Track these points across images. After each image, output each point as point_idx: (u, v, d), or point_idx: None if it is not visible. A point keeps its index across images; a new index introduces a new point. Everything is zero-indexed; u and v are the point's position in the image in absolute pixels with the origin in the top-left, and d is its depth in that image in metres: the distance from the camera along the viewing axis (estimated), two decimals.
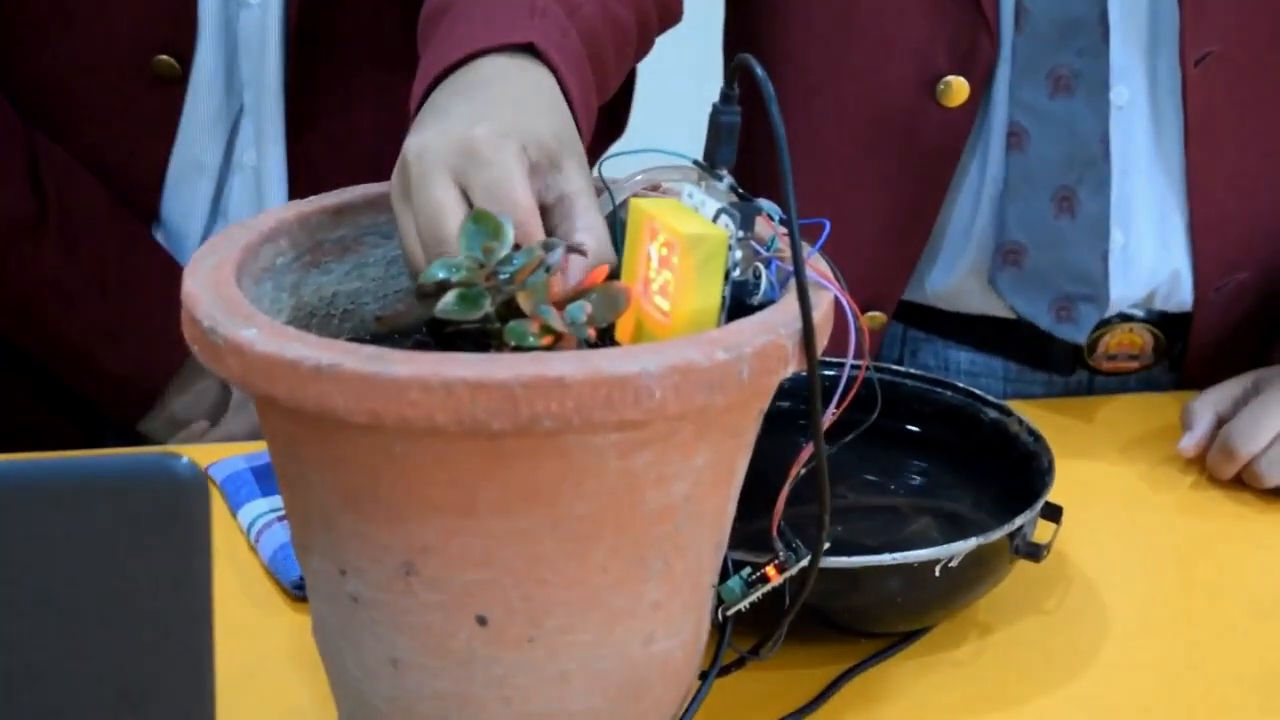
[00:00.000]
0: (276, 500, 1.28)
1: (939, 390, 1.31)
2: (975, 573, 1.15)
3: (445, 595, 0.93)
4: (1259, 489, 1.37)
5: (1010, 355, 1.56)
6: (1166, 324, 1.51)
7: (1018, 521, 1.15)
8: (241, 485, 1.31)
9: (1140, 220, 1.45)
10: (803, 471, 0.99)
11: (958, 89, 1.42)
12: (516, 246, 0.93)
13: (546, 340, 0.92)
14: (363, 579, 0.94)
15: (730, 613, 1.02)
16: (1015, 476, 1.25)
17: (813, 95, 1.45)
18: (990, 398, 1.29)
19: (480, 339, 0.97)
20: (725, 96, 0.96)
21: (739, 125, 0.96)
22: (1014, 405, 1.29)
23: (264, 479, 1.31)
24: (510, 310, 0.93)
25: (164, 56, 1.47)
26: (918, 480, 1.30)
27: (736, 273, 0.94)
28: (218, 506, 1.31)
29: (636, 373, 0.86)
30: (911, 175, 1.44)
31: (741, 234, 0.94)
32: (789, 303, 0.93)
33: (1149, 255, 1.46)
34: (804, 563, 1.00)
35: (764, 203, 0.96)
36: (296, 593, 1.21)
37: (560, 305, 0.94)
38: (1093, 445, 1.43)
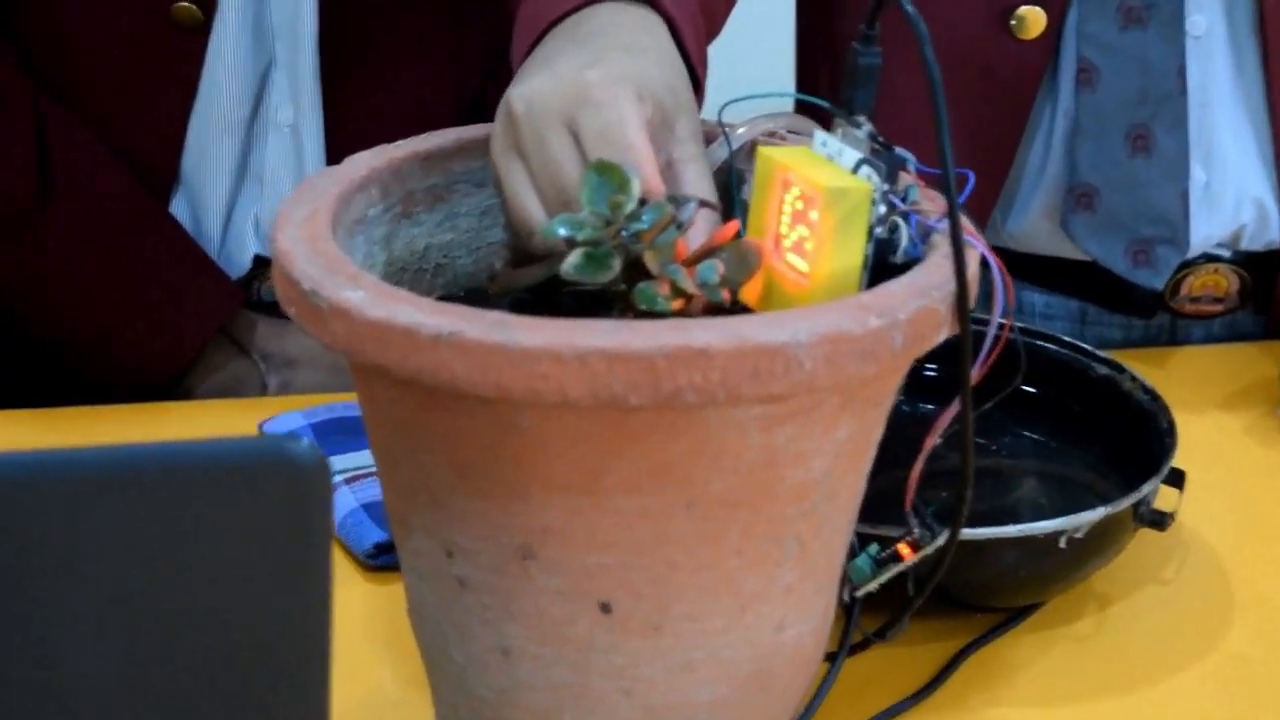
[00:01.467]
0: (341, 460, 1.21)
1: (1042, 344, 1.23)
2: (1099, 543, 1.08)
3: (565, 580, 0.85)
4: None
5: (1087, 297, 1.48)
6: (1253, 264, 1.44)
7: (1144, 489, 1.08)
8: None
9: (1223, 156, 1.37)
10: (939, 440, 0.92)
11: (1033, 20, 1.34)
12: (642, 201, 0.85)
13: (678, 303, 0.85)
14: (473, 561, 0.87)
15: (860, 594, 0.95)
16: (1127, 437, 1.18)
17: (884, 37, 1.36)
18: (1099, 352, 1.22)
19: (589, 300, 0.90)
20: (866, 37, 0.88)
21: (879, 68, 0.88)
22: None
23: (326, 437, 1.24)
24: (635, 270, 0.86)
25: (185, 2, 1.35)
26: (1021, 440, 1.22)
27: (880, 230, 0.86)
28: None
29: (786, 342, 0.78)
30: (989, 113, 1.36)
31: (886, 187, 0.86)
32: (938, 263, 0.86)
33: (1232, 192, 1.39)
34: (940, 541, 0.93)
35: (900, 151, 0.89)
36: (370, 562, 1.13)
37: (689, 264, 0.86)
38: (1188, 398, 1.35)
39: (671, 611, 0.86)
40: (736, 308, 0.88)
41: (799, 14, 1.50)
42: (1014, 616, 1.10)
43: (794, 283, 0.87)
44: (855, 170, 0.87)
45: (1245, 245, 1.42)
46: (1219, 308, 1.46)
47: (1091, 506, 1.06)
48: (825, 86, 1.43)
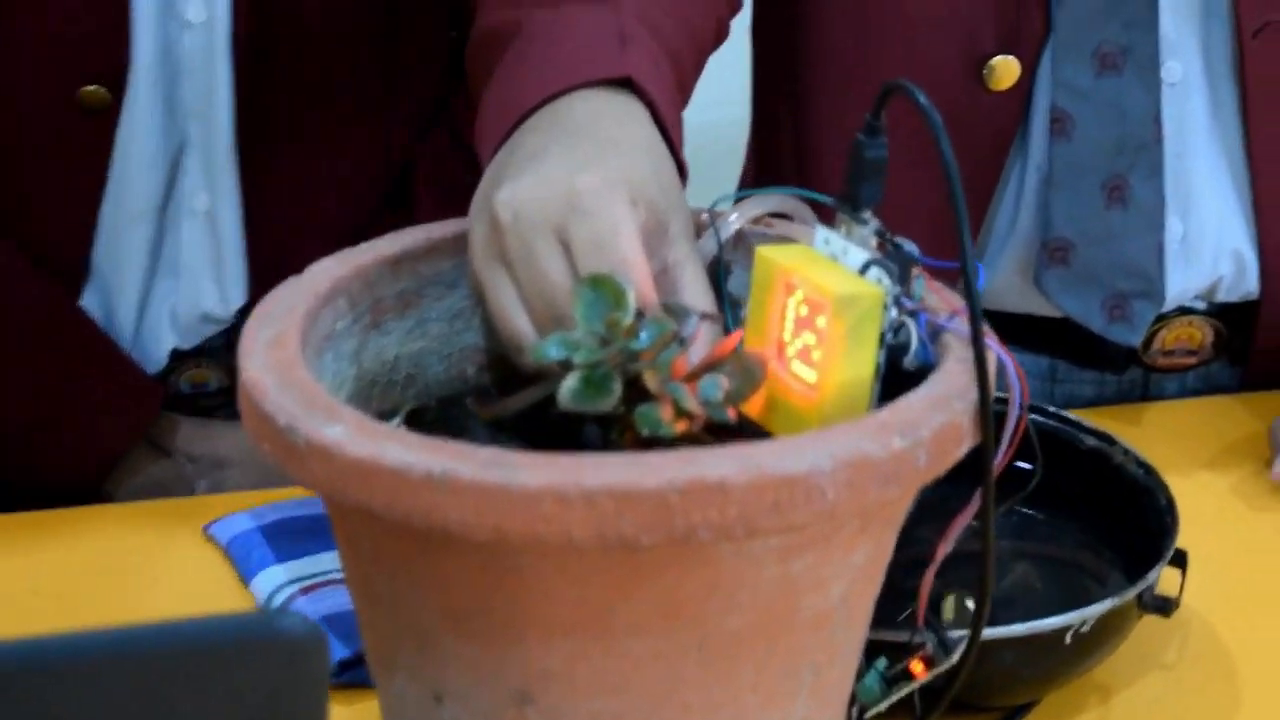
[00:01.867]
0: (296, 567, 1.14)
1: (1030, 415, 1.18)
2: (1103, 635, 1.03)
3: None
4: None
5: (1057, 354, 1.43)
6: (1228, 316, 1.40)
7: (1150, 577, 1.03)
8: (252, 549, 1.16)
9: (1200, 206, 1.33)
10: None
11: (1005, 70, 1.29)
12: (639, 314, 0.79)
13: (681, 425, 0.79)
14: (464, 706, 0.81)
15: (869, 716, 0.89)
16: (1121, 512, 1.13)
17: (851, 86, 1.31)
18: (1087, 423, 1.17)
19: (580, 420, 0.84)
20: (871, 128, 0.82)
21: (886, 162, 0.82)
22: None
23: (276, 540, 1.17)
24: (633, 389, 0.80)
25: (92, 86, 1.25)
26: (1009, 517, 1.17)
27: (891, 336, 0.81)
28: (224, 572, 1.17)
29: (807, 471, 0.73)
30: (961, 168, 1.30)
31: (898, 290, 0.80)
32: (954, 370, 0.80)
33: (1210, 243, 1.34)
34: (954, 659, 0.88)
35: (907, 246, 0.83)
36: (333, 680, 1.06)
37: (689, 380, 0.80)
38: (1170, 457, 1.30)
39: None
40: (741, 423, 0.82)
41: (756, 63, 1.44)
42: (1013, 714, 1.05)
43: (801, 395, 0.81)
44: (863, 272, 0.81)
45: (1222, 297, 1.38)
46: (1193, 360, 1.42)
47: (1088, 589, 1.02)
48: (788, 138, 1.37)
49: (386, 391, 0.91)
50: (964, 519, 0.85)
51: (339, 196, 1.36)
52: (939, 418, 0.77)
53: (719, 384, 0.79)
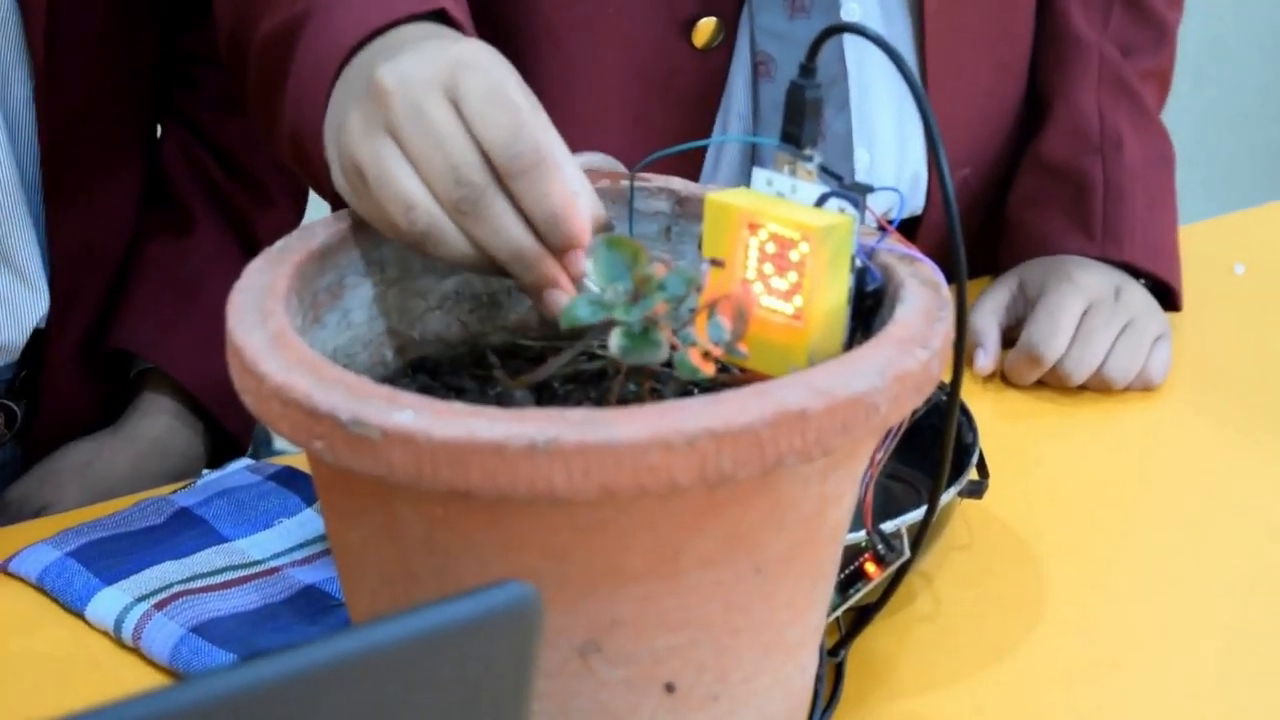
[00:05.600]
0: (133, 585, 1.11)
1: None
2: (938, 524, 1.12)
3: (632, 669, 0.82)
4: (1063, 387, 1.39)
5: None
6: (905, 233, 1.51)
7: (968, 471, 1.13)
8: (72, 577, 1.13)
9: (882, 136, 1.43)
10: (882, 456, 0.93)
11: (707, 29, 1.36)
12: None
13: (709, 368, 0.83)
14: None
15: (830, 618, 0.95)
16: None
17: (572, 64, 1.36)
18: None
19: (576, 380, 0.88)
20: (805, 70, 0.88)
21: (822, 101, 0.88)
22: None
23: (94, 563, 1.13)
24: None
25: None
26: None
27: (859, 261, 0.87)
28: (43, 606, 1.13)
29: (865, 390, 0.78)
30: (679, 126, 1.37)
31: (860, 218, 0.86)
32: (918, 288, 0.87)
33: (892, 168, 1.45)
34: (905, 557, 0.95)
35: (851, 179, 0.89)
36: None
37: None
38: None
39: (731, 678, 0.84)
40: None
41: None
42: (869, 609, 1.12)
43: (784, 327, 0.86)
44: (820, 204, 0.87)
45: (893, 215, 1.48)
46: None
47: (898, 494, 1.10)
48: None
49: None
50: (897, 429, 0.92)
51: (124, 210, 1.32)
52: (938, 328, 0.84)
53: (723, 325, 0.84)
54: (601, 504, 0.76)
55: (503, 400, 0.90)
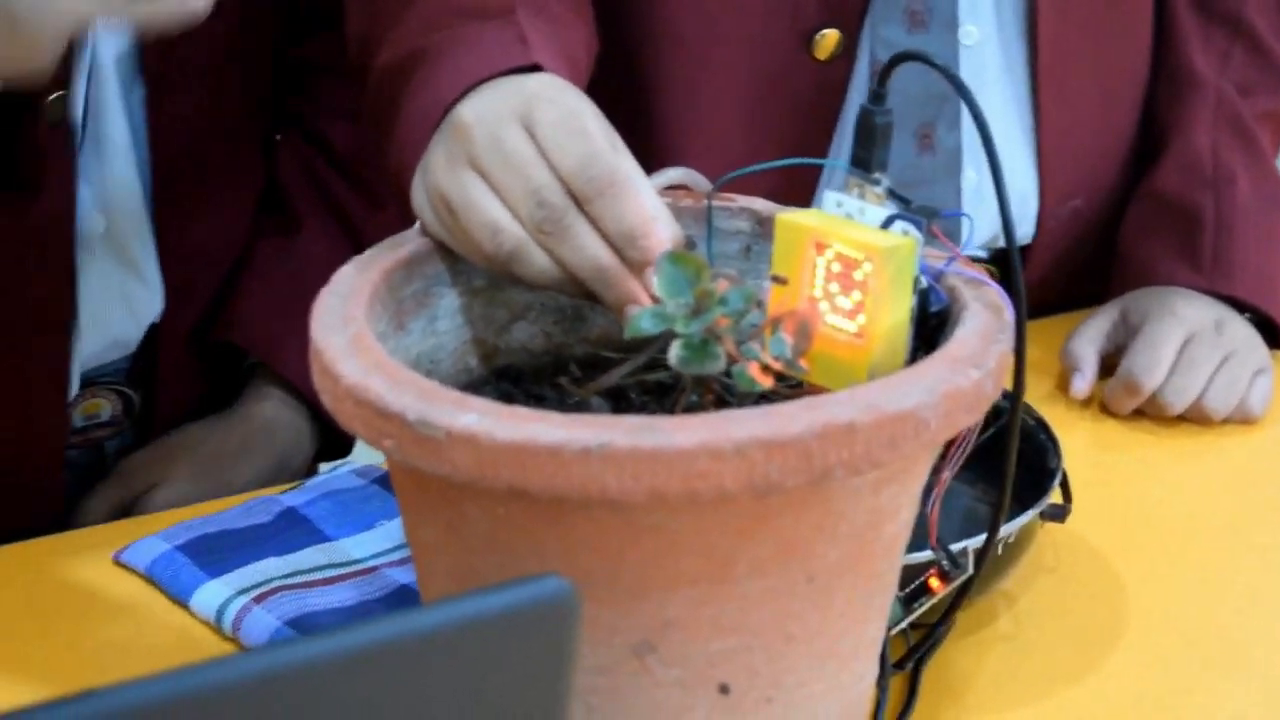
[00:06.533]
0: (235, 579, 1.16)
1: None
2: (1016, 548, 1.13)
3: (686, 670, 0.85)
4: (1160, 417, 1.40)
5: None
6: (1002, 258, 1.53)
7: (1049, 493, 1.15)
8: (179, 569, 1.17)
9: None
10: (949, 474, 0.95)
11: (830, 41, 1.39)
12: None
13: (767, 381, 0.86)
14: (579, 665, 0.85)
15: (893, 633, 0.98)
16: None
17: (694, 67, 1.39)
18: None
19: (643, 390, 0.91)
20: (876, 95, 0.90)
21: (892, 127, 0.91)
22: None
23: (200, 557, 1.18)
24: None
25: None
26: None
27: (924, 281, 0.89)
28: (150, 596, 1.18)
29: (914, 406, 0.81)
30: (797, 136, 1.40)
31: (924, 240, 0.89)
32: (979, 310, 0.89)
33: None
34: (969, 574, 0.97)
35: (919, 203, 0.92)
36: None
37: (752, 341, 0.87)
38: None
39: (784, 683, 0.87)
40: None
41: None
42: (936, 624, 1.14)
43: (846, 344, 0.89)
44: (886, 226, 0.89)
45: (1001, 242, 1.50)
46: None
47: (980, 513, 1.11)
48: (635, 125, 1.44)
49: None
50: (962, 447, 0.94)
51: (238, 215, 1.38)
52: (994, 349, 0.86)
53: (785, 341, 0.87)
54: (653, 508, 0.79)
55: (581, 409, 0.93)
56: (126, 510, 1.36)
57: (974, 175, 1.44)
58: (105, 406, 1.37)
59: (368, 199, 1.46)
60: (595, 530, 0.81)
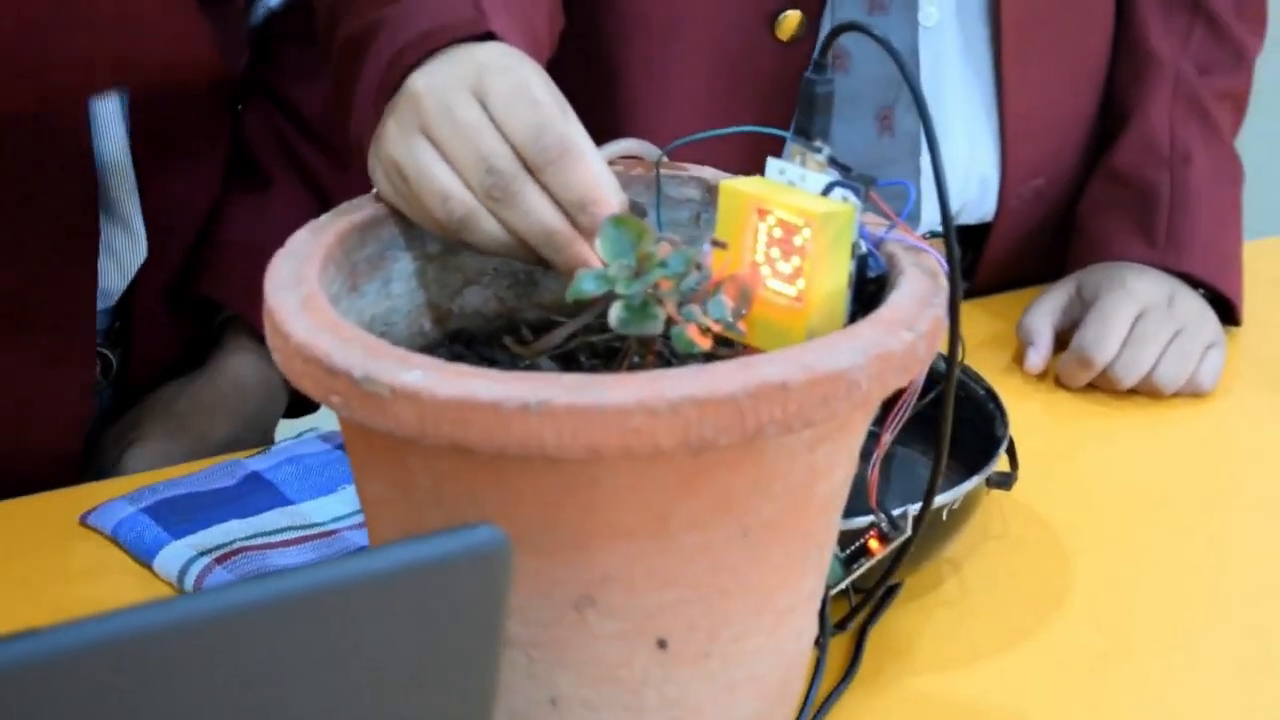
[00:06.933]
0: (197, 540, 1.18)
1: None
2: (962, 513, 1.16)
3: (625, 623, 0.88)
4: (1112, 390, 1.42)
5: None
6: (964, 236, 1.55)
7: (995, 459, 1.17)
8: (143, 530, 1.20)
9: (952, 137, 1.48)
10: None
11: (792, 22, 1.41)
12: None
13: (706, 343, 0.88)
14: (521, 618, 0.88)
15: (834, 592, 1.00)
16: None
17: (659, 50, 1.42)
18: None
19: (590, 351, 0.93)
20: (818, 65, 0.93)
21: (833, 95, 0.93)
22: None
23: (165, 519, 1.21)
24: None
25: None
26: None
27: (863, 247, 0.92)
28: (114, 557, 1.20)
29: (847, 367, 0.83)
30: (760, 116, 1.42)
31: (863, 207, 0.91)
32: (917, 275, 0.92)
33: (960, 171, 1.49)
34: (906, 534, 0.99)
35: (858, 170, 0.94)
36: None
37: (695, 303, 0.90)
38: None
39: (721, 637, 0.89)
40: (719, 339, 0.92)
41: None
42: (884, 596, 1.17)
43: (785, 308, 0.91)
44: (826, 193, 0.92)
45: (963, 220, 1.53)
46: None
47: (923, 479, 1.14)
48: (600, 104, 1.46)
49: None
50: (902, 411, 0.96)
51: (211, 172, 1.42)
52: (928, 313, 0.88)
53: (725, 303, 0.89)
54: (590, 463, 0.82)
55: (532, 370, 0.95)
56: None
57: None
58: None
59: (333, 160, 1.49)
60: (535, 485, 0.84)
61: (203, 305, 1.48)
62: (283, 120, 1.49)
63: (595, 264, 0.94)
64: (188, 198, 1.43)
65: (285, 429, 1.47)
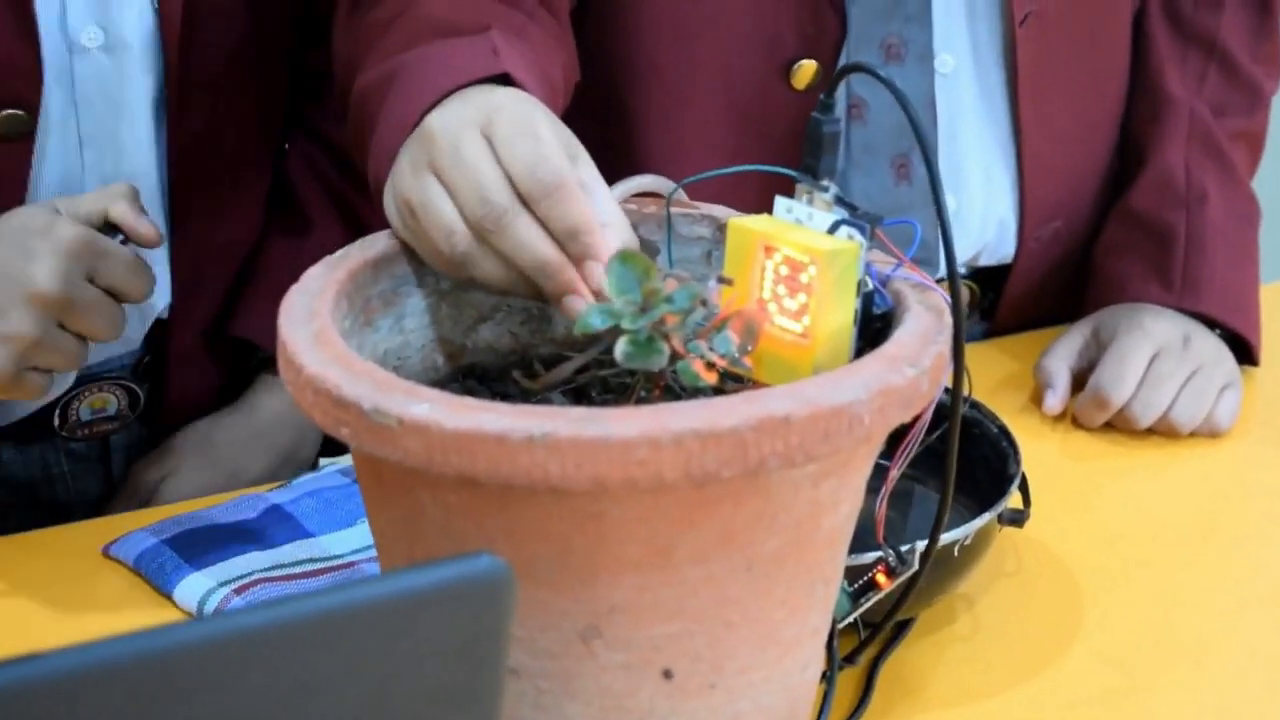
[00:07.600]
0: (217, 572, 1.20)
1: None
2: (974, 550, 1.17)
3: (630, 654, 0.89)
4: (1129, 430, 1.43)
5: None
6: (983, 277, 1.56)
7: (1008, 496, 1.18)
8: (164, 562, 1.21)
9: (969, 182, 1.49)
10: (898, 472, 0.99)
11: (807, 71, 1.42)
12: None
13: (712, 377, 0.89)
14: (528, 649, 0.89)
15: (841, 625, 1.01)
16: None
17: (674, 99, 1.43)
18: None
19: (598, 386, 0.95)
20: (824, 105, 0.94)
21: (839, 135, 0.94)
22: None
23: (186, 551, 1.22)
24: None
25: (9, 110, 1.28)
26: None
27: (869, 284, 0.93)
28: (138, 590, 1.22)
29: (850, 401, 0.84)
30: (774, 161, 1.43)
31: (869, 244, 0.92)
32: (921, 312, 0.93)
33: (979, 215, 1.50)
34: (913, 569, 1.00)
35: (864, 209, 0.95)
36: None
37: (700, 338, 0.91)
38: None
39: (726, 669, 0.90)
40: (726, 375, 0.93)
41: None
42: (896, 632, 1.18)
43: (792, 344, 0.92)
44: (833, 231, 0.93)
45: (983, 262, 1.54)
46: None
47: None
48: (615, 156, 1.48)
49: None
50: (909, 446, 0.97)
51: (250, 214, 1.43)
52: (932, 349, 0.89)
53: (730, 339, 0.90)
54: (596, 495, 0.83)
55: (543, 405, 0.97)
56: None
57: (953, 200, 1.47)
58: (112, 401, 1.42)
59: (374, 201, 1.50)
60: (541, 517, 0.85)
61: (239, 345, 1.49)
62: (327, 164, 1.50)
63: (582, 290, 0.95)
64: (227, 239, 1.44)
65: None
